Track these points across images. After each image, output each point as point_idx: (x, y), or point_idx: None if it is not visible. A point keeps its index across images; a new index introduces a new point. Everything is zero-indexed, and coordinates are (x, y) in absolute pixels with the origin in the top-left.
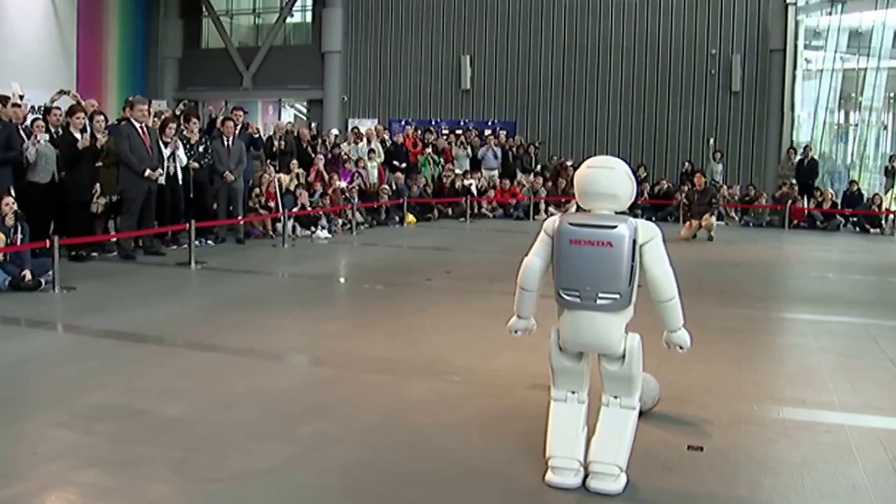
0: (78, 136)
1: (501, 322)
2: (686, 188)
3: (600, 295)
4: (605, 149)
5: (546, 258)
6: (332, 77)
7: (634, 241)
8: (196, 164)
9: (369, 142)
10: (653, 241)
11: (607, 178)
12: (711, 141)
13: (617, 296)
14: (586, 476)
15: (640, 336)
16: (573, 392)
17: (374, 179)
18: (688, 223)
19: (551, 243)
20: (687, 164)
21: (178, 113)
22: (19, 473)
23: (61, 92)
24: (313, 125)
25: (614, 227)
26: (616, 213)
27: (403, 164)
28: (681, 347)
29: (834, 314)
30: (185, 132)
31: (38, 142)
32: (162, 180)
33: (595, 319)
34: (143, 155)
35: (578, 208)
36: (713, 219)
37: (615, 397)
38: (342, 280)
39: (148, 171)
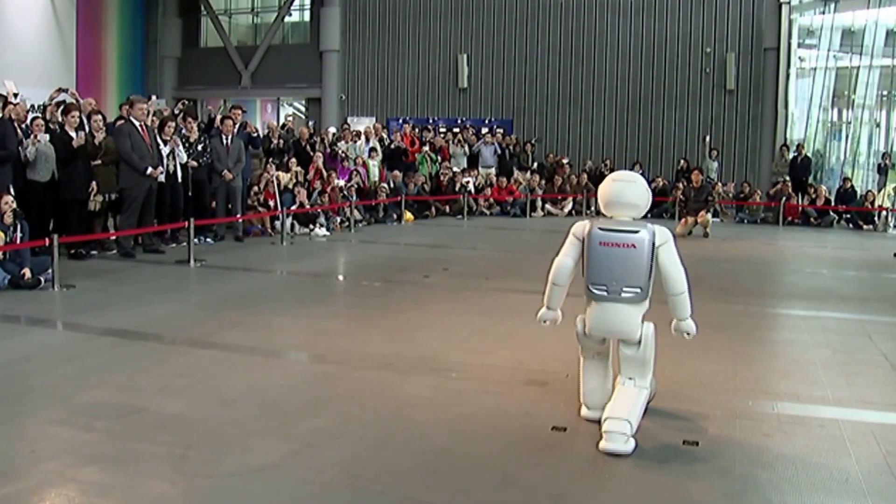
0: (73, 134)
1: (498, 319)
2: (682, 185)
3: (625, 289)
4: (600, 146)
5: (576, 258)
6: (330, 76)
7: (653, 244)
8: (195, 163)
9: (367, 140)
10: (667, 244)
11: (630, 191)
12: (707, 138)
13: (638, 290)
14: (600, 439)
15: (654, 325)
16: (598, 353)
17: (376, 178)
18: (683, 219)
19: (580, 245)
20: (682, 161)
21: (176, 112)
22: (19, 471)
23: (60, 90)
24: (310, 123)
25: (637, 231)
26: (635, 219)
27: (402, 157)
28: (687, 334)
29: (828, 310)
30: (183, 131)
31: (39, 141)
32: (162, 178)
33: (619, 310)
34: (144, 153)
35: (598, 213)
36: (709, 215)
37: (630, 378)
38: (340, 277)
39: (150, 170)
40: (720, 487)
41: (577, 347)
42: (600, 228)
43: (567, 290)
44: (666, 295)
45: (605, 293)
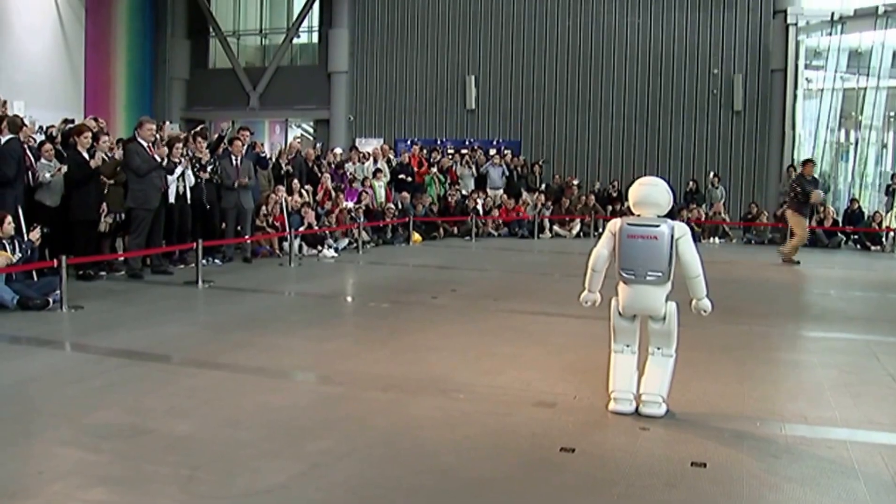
0: (86, 155)
1: (506, 340)
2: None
3: (649, 273)
4: (608, 168)
5: (610, 249)
6: (338, 97)
7: (672, 236)
8: (206, 175)
9: (375, 161)
10: (685, 237)
11: (653, 192)
12: (712, 174)
13: (660, 273)
14: (638, 406)
15: (677, 303)
16: (627, 345)
17: (382, 199)
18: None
19: (614, 239)
20: (691, 182)
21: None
22: (26, 492)
23: (92, 120)
24: (317, 145)
25: (658, 226)
26: (658, 216)
27: (409, 179)
28: (704, 311)
29: (835, 330)
30: (195, 152)
31: (62, 172)
32: (173, 199)
33: (645, 291)
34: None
35: (630, 212)
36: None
37: (658, 348)
38: (348, 298)
39: (159, 175)
40: None
41: (586, 367)
42: (629, 224)
43: (604, 275)
44: (685, 278)
45: (633, 276)
